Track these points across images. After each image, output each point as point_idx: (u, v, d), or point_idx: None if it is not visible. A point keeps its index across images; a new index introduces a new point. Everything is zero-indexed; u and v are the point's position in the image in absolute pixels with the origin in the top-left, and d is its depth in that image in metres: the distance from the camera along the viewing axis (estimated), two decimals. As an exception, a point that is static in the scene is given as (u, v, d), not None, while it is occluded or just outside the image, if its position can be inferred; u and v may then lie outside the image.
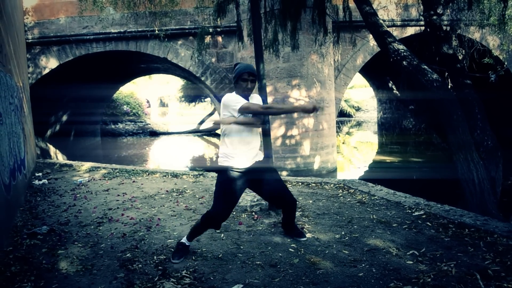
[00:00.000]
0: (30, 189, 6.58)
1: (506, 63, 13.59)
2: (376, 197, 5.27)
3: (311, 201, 5.18)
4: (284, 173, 10.98)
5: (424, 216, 4.33)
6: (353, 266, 3.13)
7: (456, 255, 3.26)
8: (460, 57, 7.21)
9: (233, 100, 3.19)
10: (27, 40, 11.89)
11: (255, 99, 3.44)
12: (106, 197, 5.86)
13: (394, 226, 4.08)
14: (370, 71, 19.95)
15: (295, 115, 11.05)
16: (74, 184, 6.91)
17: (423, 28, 9.75)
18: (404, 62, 5.87)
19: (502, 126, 12.92)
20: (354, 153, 18.97)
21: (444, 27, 6.60)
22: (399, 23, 13.27)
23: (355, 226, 4.10)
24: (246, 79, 3.26)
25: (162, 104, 54.73)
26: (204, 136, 26.56)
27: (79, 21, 12.42)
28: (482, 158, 5.60)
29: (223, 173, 3.30)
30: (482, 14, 9.37)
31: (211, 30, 11.52)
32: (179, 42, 12.62)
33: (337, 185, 6.07)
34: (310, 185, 6.20)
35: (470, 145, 5.57)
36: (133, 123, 28.09)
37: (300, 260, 3.27)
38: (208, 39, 12.11)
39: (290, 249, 3.52)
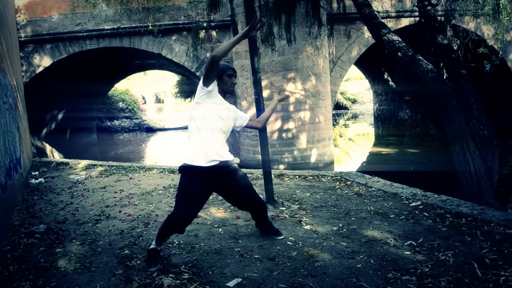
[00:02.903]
0: (26, 188, 6.56)
1: (501, 53, 13.59)
2: (373, 188, 5.28)
3: (308, 194, 5.19)
4: (281, 166, 10.99)
5: (421, 207, 4.35)
6: (351, 258, 3.14)
7: (453, 244, 3.27)
8: (455, 47, 7.21)
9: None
10: (20, 39, 11.80)
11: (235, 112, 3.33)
12: (103, 194, 5.85)
13: (392, 217, 4.09)
14: (365, 63, 19.93)
15: (291, 108, 11.04)
16: (71, 182, 6.89)
17: (417, 19, 9.75)
18: (399, 53, 5.87)
19: (498, 116, 12.95)
20: (350, 146, 19.01)
21: (439, 18, 6.60)
22: (393, 14, 13.25)
23: (353, 218, 4.11)
24: (231, 75, 3.17)
25: (158, 100, 54.55)
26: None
27: (72, 18, 12.33)
28: (478, 148, 5.63)
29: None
30: (476, 4, 9.33)
31: (205, 25, 11.47)
32: (173, 38, 12.56)
33: (334, 178, 6.08)
34: (307, 178, 6.20)
35: (466, 135, 5.59)
36: (129, 119, 27.99)
37: (298, 253, 3.28)
38: (202, 34, 12.06)
39: (288, 242, 3.52)
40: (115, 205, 5.18)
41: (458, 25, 11.30)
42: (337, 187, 5.55)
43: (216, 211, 4.63)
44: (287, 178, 6.26)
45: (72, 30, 12.36)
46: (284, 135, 11.16)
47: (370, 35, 9.71)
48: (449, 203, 4.32)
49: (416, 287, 2.63)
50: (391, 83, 20.11)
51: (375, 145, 18.49)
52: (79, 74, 15.18)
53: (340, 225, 3.93)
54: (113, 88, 25.84)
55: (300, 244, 3.47)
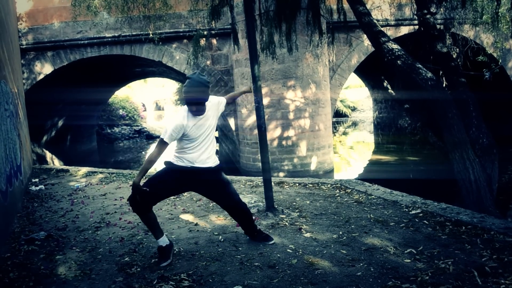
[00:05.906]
0: (27, 195, 6.56)
1: (500, 61, 13.65)
2: (373, 196, 5.28)
3: (308, 202, 5.19)
4: (281, 174, 10.99)
5: (421, 215, 4.35)
6: (351, 266, 3.14)
7: (453, 252, 3.27)
8: (454, 56, 7.25)
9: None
10: (21, 46, 11.85)
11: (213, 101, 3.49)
12: (103, 201, 5.85)
13: (392, 225, 4.09)
14: (365, 71, 19.99)
15: (291, 116, 11.07)
16: (71, 189, 6.89)
17: (417, 27, 9.81)
18: (398, 62, 5.89)
19: (498, 124, 12.97)
20: (350, 153, 19.01)
21: (438, 26, 6.64)
22: (393, 22, 13.32)
23: (353, 226, 4.12)
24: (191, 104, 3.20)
25: (158, 108, 54.57)
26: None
27: (73, 26, 12.39)
28: (478, 156, 5.63)
29: None
30: (475, 12, 9.42)
31: (205, 33, 11.53)
32: (174, 45, 12.62)
33: (334, 185, 6.08)
34: (307, 186, 6.21)
35: (465, 143, 5.60)
36: (129, 127, 27.98)
37: (299, 261, 3.28)
38: (203, 42, 12.12)
39: (288, 250, 3.53)
40: (115, 212, 5.18)
41: (458, 33, 11.38)
42: (337, 194, 5.55)
43: (216, 218, 4.64)
44: (287, 186, 6.27)
45: (73, 38, 12.41)
46: (284, 142, 11.18)
47: (369, 43, 9.76)
48: (449, 211, 4.33)
49: (416, 295, 2.63)
50: (390, 91, 20.16)
51: (374, 152, 18.49)
52: (80, 81, 15.23)
53: (340, 232, 3.93)
54: (113, 96, 25.88)
55: (300, 252, 3.47)
